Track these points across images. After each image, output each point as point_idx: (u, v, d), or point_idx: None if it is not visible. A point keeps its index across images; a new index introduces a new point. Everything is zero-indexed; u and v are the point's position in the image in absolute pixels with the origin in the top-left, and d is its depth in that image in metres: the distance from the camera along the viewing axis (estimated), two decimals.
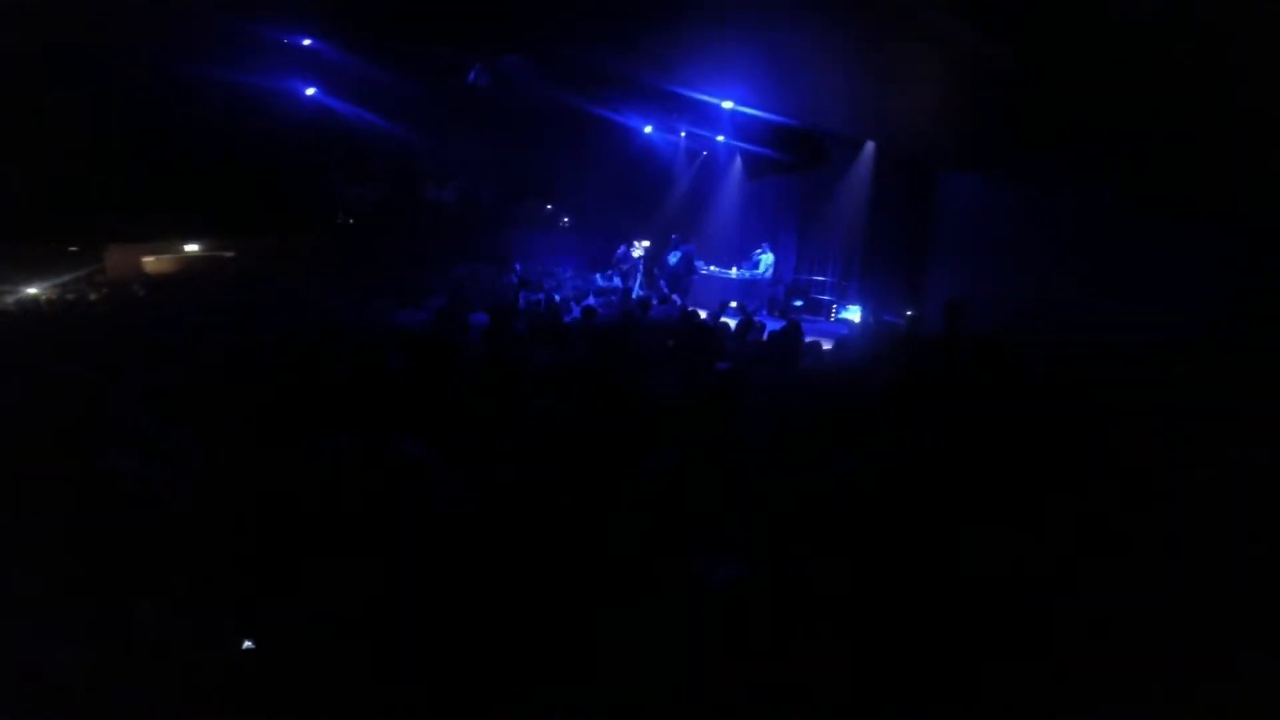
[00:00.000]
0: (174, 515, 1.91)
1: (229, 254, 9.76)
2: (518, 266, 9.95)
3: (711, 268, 11.15)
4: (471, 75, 9.94)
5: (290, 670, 1.58)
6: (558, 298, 7.77)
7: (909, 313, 8.23)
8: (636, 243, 11.47)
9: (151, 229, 8.95)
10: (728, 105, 8.82)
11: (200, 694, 1.57)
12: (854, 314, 9.22)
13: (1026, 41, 4.61)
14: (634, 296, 8.13)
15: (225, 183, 8.85)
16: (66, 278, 7.70)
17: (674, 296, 9.91)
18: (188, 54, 7.99)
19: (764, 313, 9.62)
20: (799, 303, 10.10)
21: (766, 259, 10.65)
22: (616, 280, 10.66)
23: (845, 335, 6.84)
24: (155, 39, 7.28)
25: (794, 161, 10.29)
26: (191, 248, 9.44)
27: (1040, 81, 4.95)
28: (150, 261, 9.05)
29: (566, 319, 6.12)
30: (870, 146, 9.02)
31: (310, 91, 9.86)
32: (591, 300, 7.91)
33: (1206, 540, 1.74)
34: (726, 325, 6.30)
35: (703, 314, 6.65)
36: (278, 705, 1.56)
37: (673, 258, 10.82)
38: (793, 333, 4.82)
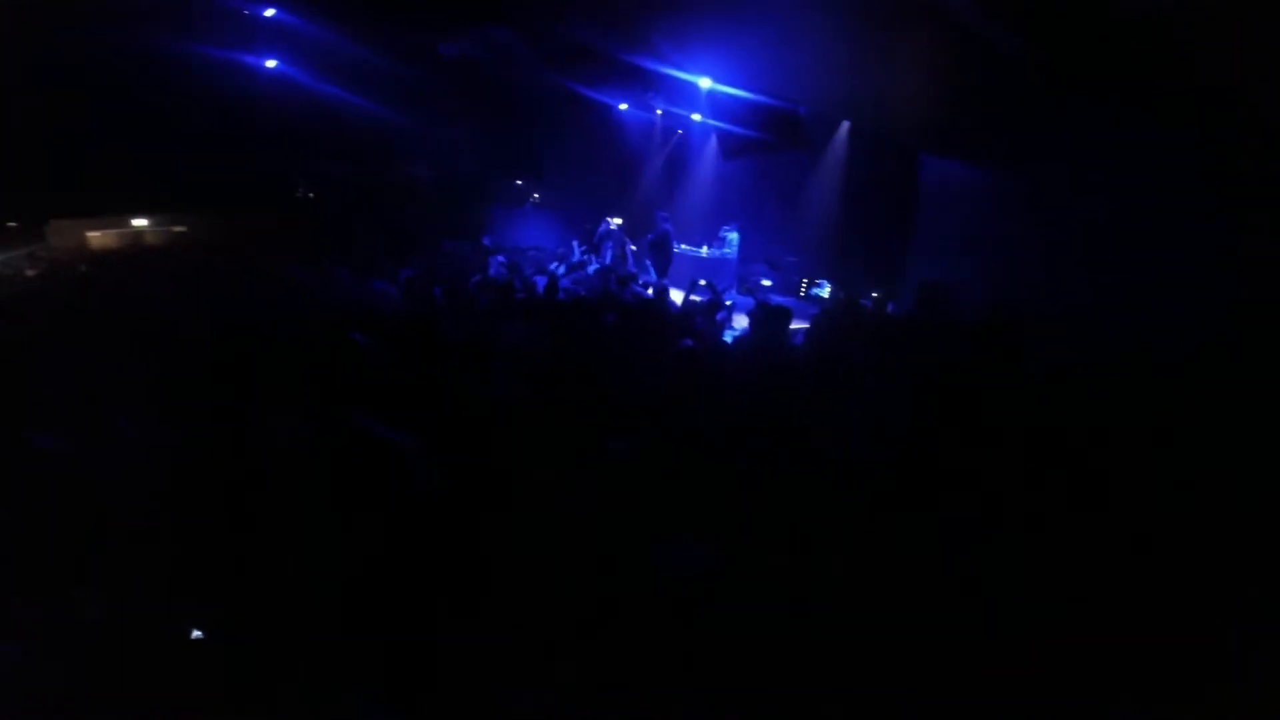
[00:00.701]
0: (112, 499, 1.80)
1: (180, 229, 9.33)
2: (485, 241, 9.72)
3: (683, 246, 11.10)
4: (443, 48, 9.64)
5: (247, 658, 1.51)
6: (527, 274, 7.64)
7: (875, 294, 8.30)
8: (611, 220, 11.34)
9: (97, 203, 8.50)
10: (705, 84, 8.71)
11: (149, 687, 1.48)
12: (825, 292, 9.27)
13: (1014, 23, 4.59)
14: (611, 274, 8.03)
15: (176, 155, 8.46)
16: (2, 256, 7.27)
17: (650, 273, 9.89)
18: (139, 20, 7.59)
19: (733, 291, 9.64)
20: (768, 282, 10.13)
21: (733, 237, 10.66)
22: (592, 258, 10.53)
23: (815, 316, 6.86)
24: (103, 3, 6.89)
25: (770, 140, 10.25)
26: (140, 223, 8.98)
27: (1029, 63, 4.95)
28: (96, 237, 8.60)
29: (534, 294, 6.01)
30: (847, 126, 9.02)
31: (271, 64, 9.48)
32: (564, 278, 7.78)
33: (1191, 528, 1.76)
34: (695, 303, 6.27)
35: (676, 293, 6.61)
36: (234, 696, 1.49)
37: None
38: (764, 316, 4.79)
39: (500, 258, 8.33)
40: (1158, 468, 2.20)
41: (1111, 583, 1.69)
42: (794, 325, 5.16)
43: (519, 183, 13.80)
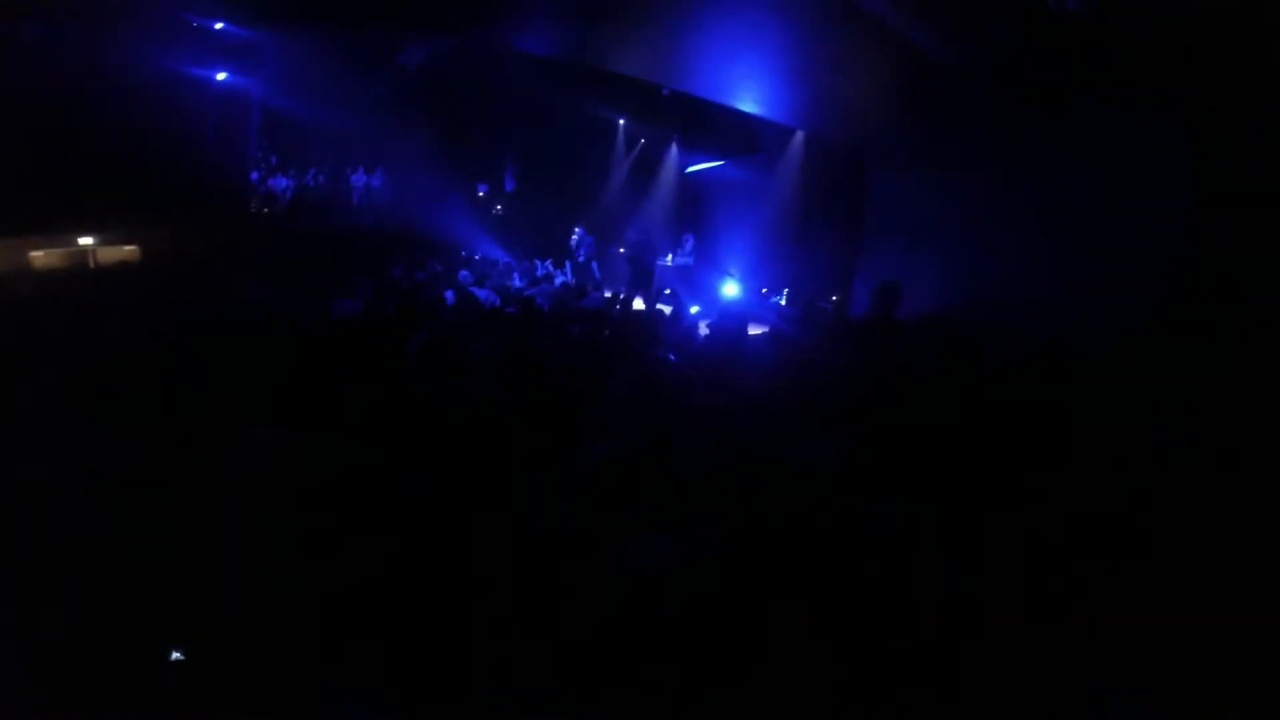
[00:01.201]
0: (83, 522, 1.77)
1: (129, 246, 9.02)
2: (437, 267, 9.57)
3: None
4: (402, 56, 9.55)
5: (226, 677, 1.50)
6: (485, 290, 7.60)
7: (834, 298, 8.53)
8: (578, 231, 11.40)
9: (39, 221, 8.15)
10: (664, 93, 8.85)
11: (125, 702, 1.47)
12: (782, 299, 9.48)
13: (960, 31, 4.75)
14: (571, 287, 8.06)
15: (124, 171, 8.18)
16: None
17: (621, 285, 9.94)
18: (88, 30, 7.35)
19: (694, 299, 9.78)
20: (731, 290, 10.29)
21: (688, 246, 10.92)
22: (557, 273, 10.53)
23: (776, 321, 7.01)
24: (46, 14, 6.65)
25: (727, 150, 10.44)
26: (86, 241, 8.65)
27: (974, 70, 5.13)
28: (39, 257, 8.25)
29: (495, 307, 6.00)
30: (800, 136, 9.25)
31: (222, 76, 9.28)
32: (528, 290, 7.78)
33: (1161, 520, 1.84)
34: (662, 313, 6.35)
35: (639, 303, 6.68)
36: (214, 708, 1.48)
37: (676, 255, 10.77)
38: (732, 320, 4.90)
39: (465, 273, 8.28)
40: (1108, 457, 2.32)
41: (1072, 574, 1.77)
42: (752, 330, 5.28)
43: (480, 193, 13.75)
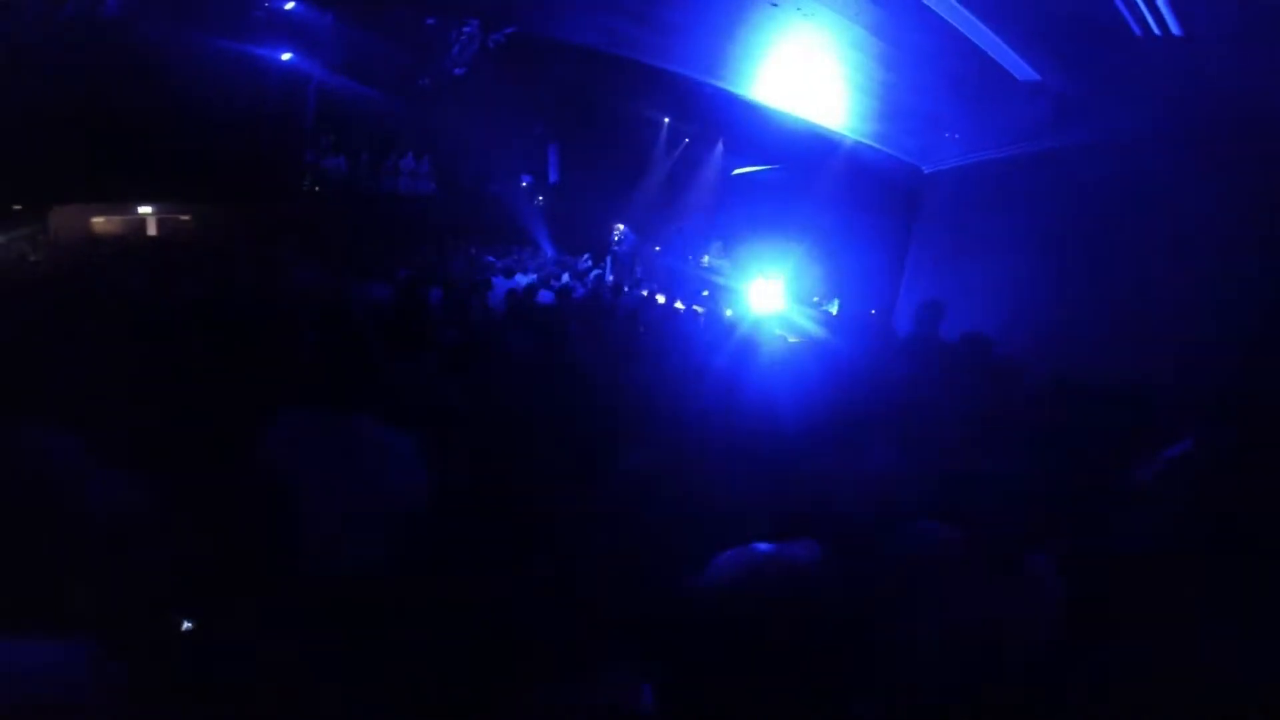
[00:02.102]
0: (111, 497, 1.77)
1: (184, 217, 9.33)
2: (471, 250, 9.67)
3: (689, 257, 11.16)
4: (456, 48, 9.67)
5: (245, 660, 1.48)
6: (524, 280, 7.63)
7: (872, 311, 8.33)
8: (619, 228, 11.38)
9: (101, 189, 8.48)
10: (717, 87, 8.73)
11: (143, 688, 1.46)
12: (834, 308, 9.29)
13: (1037, 51, 4.60)
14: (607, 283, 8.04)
15: (184, 145, 8.44)
16: (4, 239, 7.23)
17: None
18: (157, 10, 7.59)
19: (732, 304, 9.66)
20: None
21: (720, 248, 10.81)
22: (596, 267, 10.54)
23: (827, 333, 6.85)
24: None
25: (775, 154, 10.28)
26: (145, 210, 8.97)
27: (1031, 81, 4.96)
28: (100, 223, 8.59)
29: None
30: (851, 144, 9.05)
31: (286, 56, 9.51)
32: (571, 283, 7.78)
33: (1205, 542, 1.75)
34: (696, 315, 6.28)
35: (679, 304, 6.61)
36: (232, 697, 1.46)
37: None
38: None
39: (499, 262, 8.33)
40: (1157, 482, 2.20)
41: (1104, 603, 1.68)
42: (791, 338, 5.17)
43: (524, 184, 13.83)
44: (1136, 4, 3.57)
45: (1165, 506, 1.95)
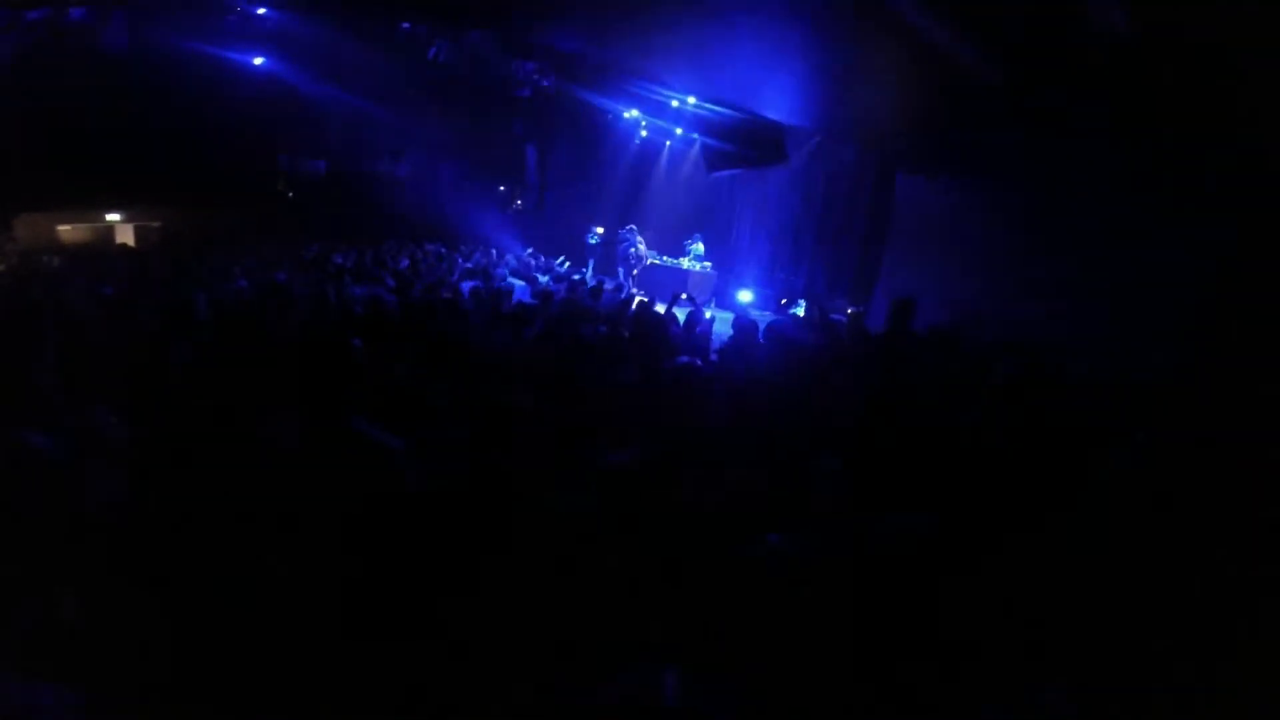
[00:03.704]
0: (100, 499, 1.78)
1: (154, 224, 9.16)
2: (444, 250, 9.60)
3: (665, 259, 11.22)
4: (433, 51, 9.63)
5: (236, 661, 1.50)
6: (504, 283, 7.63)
7: (850, 310, 8.45)
8: (596, 229, 11.40)
9: (69, 196, 8.29)
10: (691, 100, 8.83)
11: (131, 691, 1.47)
12: (800, 310, 9.41)
13: (998, 46, 4.72)
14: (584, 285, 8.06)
15: (153, 150, 8.30)
16: None
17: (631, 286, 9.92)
18: (121, 13, 7.46)
19: (710, 304, 9.75)
20: (748, 297, 10.26)
21: (699, 249, 10.85)
22: (575, 269, 10.55)
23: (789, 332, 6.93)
24: None
25: (751, 154, 10.39)
26: (113, 217, 8.79)
27: (1003, 82, 5.09)
28: (66, 230, 8.40)
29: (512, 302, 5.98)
30: (825, 143, 9.20)
31: (258, 61, 9.40)
32: (551, 285, 7.79)
33: (1175, 540, 1.81)
34: (676, 317, 6.31)
35: (660, 307, 6.65)
36: (221, 700, 1.48)
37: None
38: (749, 330, 4.86)
39: (468, 264, 8.31)
40: (1130, 480, 2.28)
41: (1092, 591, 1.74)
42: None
43: (502, 188, 13.81)
44: (1089, 4, 3.71)
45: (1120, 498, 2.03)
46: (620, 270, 10.85)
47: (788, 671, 1.31)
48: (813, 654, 1.33)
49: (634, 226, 11.08)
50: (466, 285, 6.56)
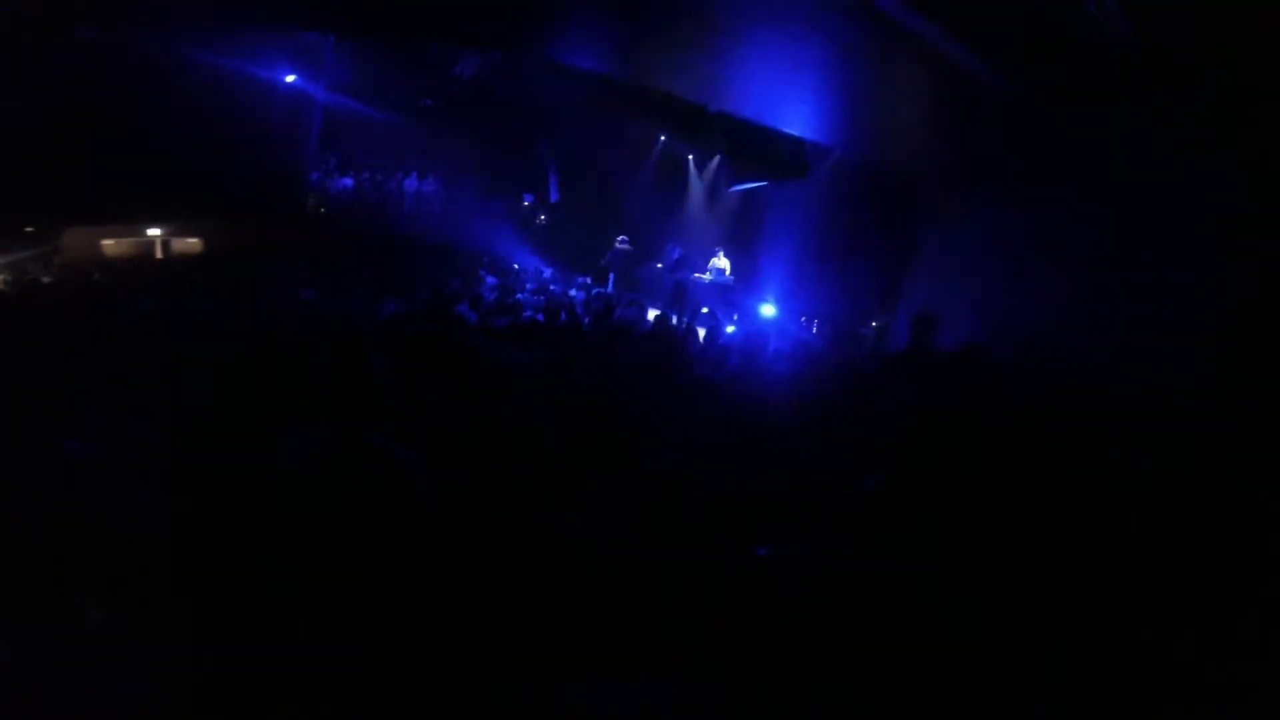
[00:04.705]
0: (138, 509, 1.86)
1: (194, 239, 9.47)
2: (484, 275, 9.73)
3: (694, 275, 11.28)
4: (457, 68, 9.85)
5: (261, 672, 1.55)
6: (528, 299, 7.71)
7: (874, 324, 8.38)
8: (619, 245, 11.50)
9: (112, 211, 8.63)
10: (712, 115, 8.90)
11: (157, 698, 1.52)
12: (821, 325, 9.37)
13: (1015, 60, 4.72)
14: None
15: (192, 167, 8.59)
16: (15, 259, 7.37)
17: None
18: (164, 35, 7.78)
19: (734, 319, 9.74)
20: (771, 310, 10.22)
21: (720, 263, 10.89)
22: (598, 287, 10.63)
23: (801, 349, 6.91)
24: (131, 17, 7.06)
25: (773, 170, 10.41)
26: (154, 232, 9.12)
27: (1025, 99, 5.07)
28: (110, 245, 8.73)
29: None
30: (846, 160, 9.17)
31: (290, 79, 9.71)
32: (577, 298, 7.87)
33: (1197, 554, 1.79)
34: (696, 332, 6.34)
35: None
36: (243, 708, 1.52)
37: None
38: (767, 344, 4.88)
39: (492, 279, 8.41)
40: (1147, 489, 2.25)
41: (1106, 603, 1.73)
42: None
43: (526, 203, 14.00)
44: (1090, 8, 3.70)
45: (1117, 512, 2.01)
46: (640, 286, 10.92)
47: (781, 684, 1.31)
48: (807, 668, 1.34)
49: (623, 244, 11.12)
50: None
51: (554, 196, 13.88)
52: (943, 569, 1.84)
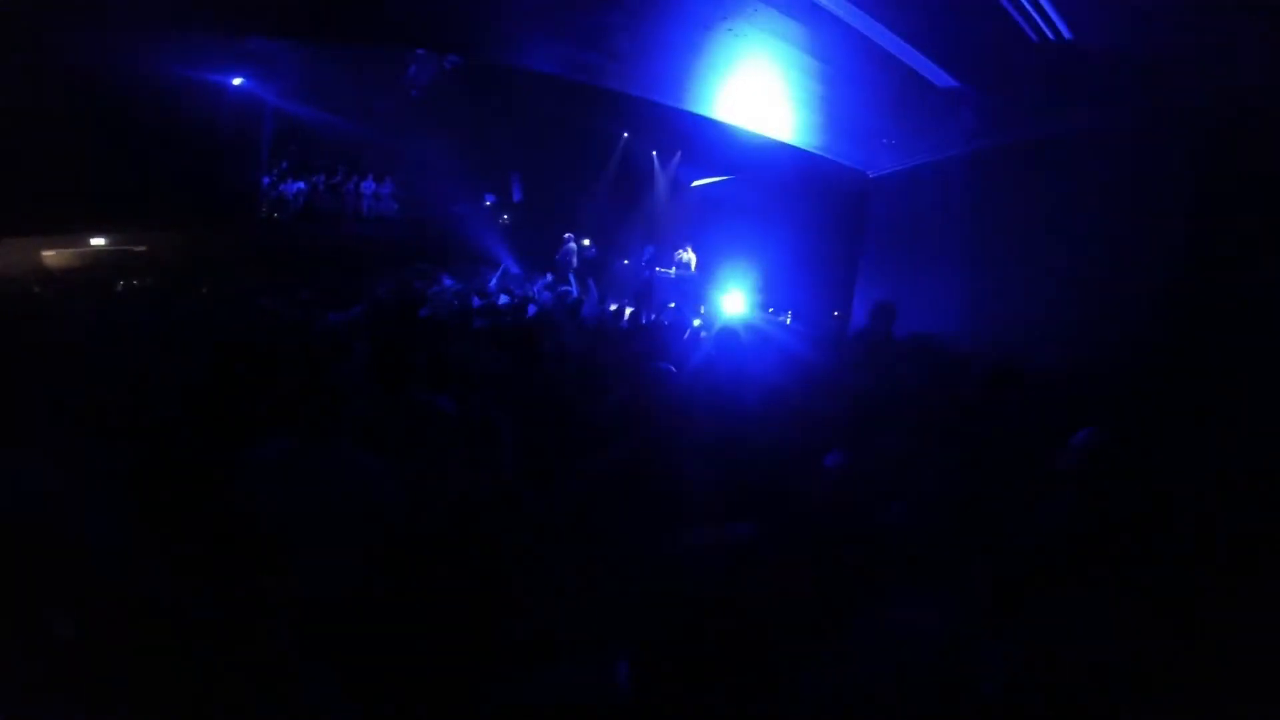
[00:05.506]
0: (90, 526, 1.81)
1: (140, 248, 9.13)
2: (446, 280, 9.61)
3: (657, 269, 11.33)
4: (413, 69, 9.69)
5: (229, 686, 1.53)
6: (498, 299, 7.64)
7: (835, 313, 8.57)
8: (584, 243, 11.48)
9: (52, 221, 8.25)
10: (673, 112, 8.95)
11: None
12: (788, 319, 9.53)
13: (959, 56, 4.86)
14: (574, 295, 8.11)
15: (136, 173, 8.28)
16: None
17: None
18: (104, 35, 7.47)
19: (699, 313, 9.83)
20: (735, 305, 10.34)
21: (690, 259, 11.00)
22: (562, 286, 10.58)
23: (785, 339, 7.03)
24: (66, 17, 6.76)
25: (731, 166, 10.54)
26: (99, 242, 8.76)
27: (972, 92, 5.22)
28: (50, 256, 8.35)
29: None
30: (803, 155, 9.33)
31: (238, 81, 9.43)
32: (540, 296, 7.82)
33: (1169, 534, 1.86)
34: (662, 325, 6.41)
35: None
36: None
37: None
38: (732, 337, 4.94)
39: (449, 281, 8.31)
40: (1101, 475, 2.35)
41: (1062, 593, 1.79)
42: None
43: (488, 203, 13.85)
44: (1029, 12, 3.85)
45: (1073, 493, 2.10)
46: (604, 283, 10.92)
47: (738, 662, 1.35)
48: (765, 645, 1.38)
49: (587, 241, 11.13)
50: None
51: (517, 196, 13.77)
52: (904, 547, 1.92)
